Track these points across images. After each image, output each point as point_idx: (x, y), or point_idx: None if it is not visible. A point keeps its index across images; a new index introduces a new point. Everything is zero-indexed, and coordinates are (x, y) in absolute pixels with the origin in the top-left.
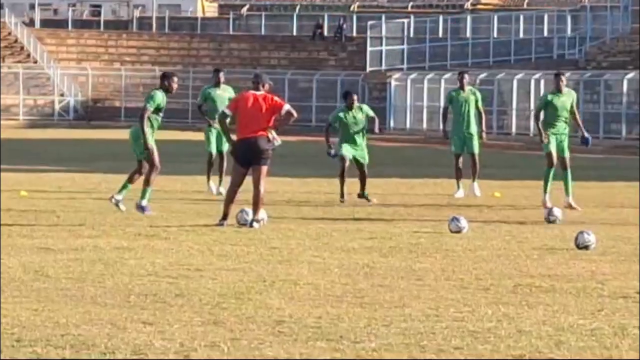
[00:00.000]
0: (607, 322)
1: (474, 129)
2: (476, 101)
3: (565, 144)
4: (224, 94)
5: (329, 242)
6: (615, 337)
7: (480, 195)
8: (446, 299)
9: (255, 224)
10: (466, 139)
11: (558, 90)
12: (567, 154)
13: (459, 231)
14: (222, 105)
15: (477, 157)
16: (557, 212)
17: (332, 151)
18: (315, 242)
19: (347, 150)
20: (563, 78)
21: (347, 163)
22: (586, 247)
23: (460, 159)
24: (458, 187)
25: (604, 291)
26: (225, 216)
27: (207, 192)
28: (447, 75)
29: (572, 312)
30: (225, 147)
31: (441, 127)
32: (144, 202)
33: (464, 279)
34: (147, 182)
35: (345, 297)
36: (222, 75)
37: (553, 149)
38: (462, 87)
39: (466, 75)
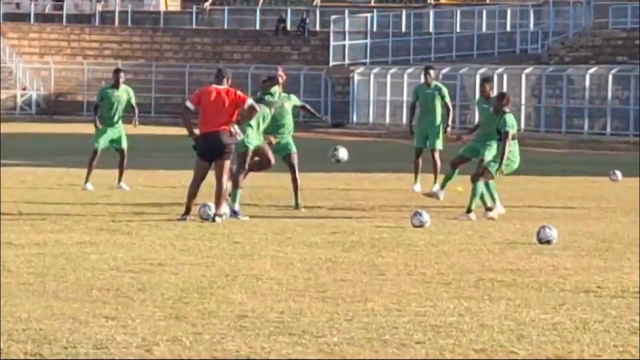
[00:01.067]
0: (569, 316)
1: (437, 125)
2: (442, 97)
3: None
4: (122, 96)
5: (291, 236)
6: (576, 332)
7: (443, 198)
8: (408, 293)
9: (217, 219)
10: (429, 135)
11: (427, 85)
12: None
13: (421, 225)
14: (120, 107)
15: (437, 154)
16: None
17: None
18: (277, 237)
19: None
20: (432, 72)
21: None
22: (548, 242)
23: (421, 155)
24: (416, 180)
25: (566, 286)
26: (187, 211)
27: (125, 189)
28: (410, 70)
29: (533, 306)
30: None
31: (405, 122)
32: (237, 206)
33: (426, 274)
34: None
35: (307, 292)
36: (122, 76)
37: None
38: (427, 83)
39: (431, 71)
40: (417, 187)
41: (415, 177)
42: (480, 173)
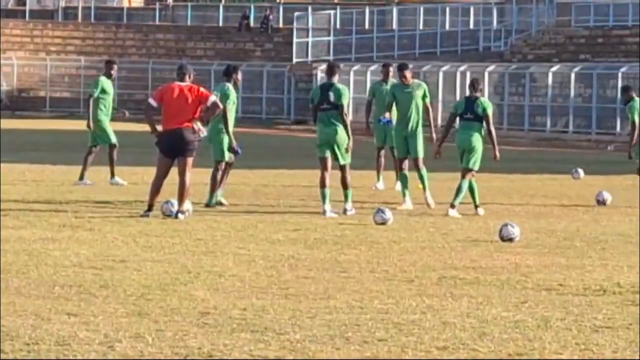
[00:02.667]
0: (530, 314)
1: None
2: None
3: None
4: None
5: (254, 233)
6: (538, 329)
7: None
8: (371, 290)
9: (180, 215)
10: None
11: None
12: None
13: (383, 223)
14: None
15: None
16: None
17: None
18: (240, 234)
19: None
20: (390, 69)
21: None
22: (510, 240)
23: (383, 152)
24: (378, 178)
25: (528, 283)
26: (150, 207)
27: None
28: (373, 67)
29: (495, 304)
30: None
31: (365, 118)
32: (349, 206)
33: (388, 271)
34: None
35: (270, 289)
36: (114, 68)
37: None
38: (385, 80)
39: (391, 68)
40: (381, 185)
41: (378, 175)
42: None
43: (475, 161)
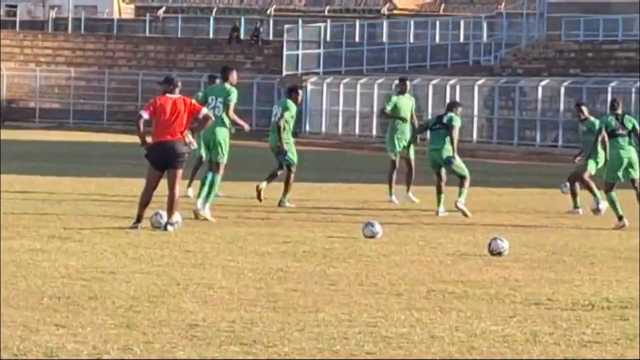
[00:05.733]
0: (519, 328)
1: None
2: (412, 107)
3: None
4: None
5: (243, 246)
6: (527, 344)
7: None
8: (359, 304)
9: (169, 227)
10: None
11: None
12: None
13: (372, 236)
14: None
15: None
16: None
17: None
18: (229, 246)
19: None
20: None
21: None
22: (499, 254)
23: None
24: (391, 193)
25: (517, 297)
26: (139, 219)
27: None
28: (363, 80)
29: (484, 318)
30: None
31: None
32: None
33: (377, 284)
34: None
35: (258, 302)
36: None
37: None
38: (402, 92)
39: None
40: (395, 199)
41: (390, 190)
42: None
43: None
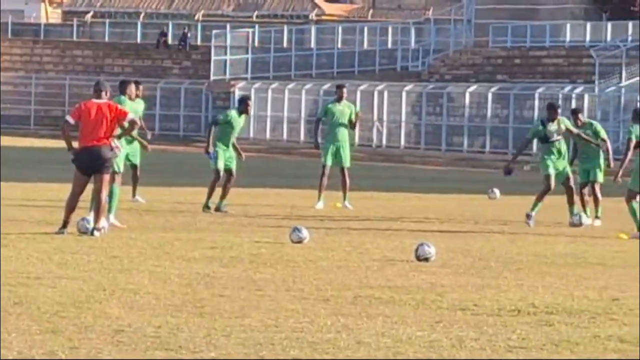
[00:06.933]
0: (445, 334)
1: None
2: (350, 114)
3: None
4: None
5: (170, 251)
6: (452, 349)
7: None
8: (286, 309)
9: (96, 233)
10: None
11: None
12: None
13: (300, 241)
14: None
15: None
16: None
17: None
18: (156, 251)
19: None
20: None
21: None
22: (426, 259)
23: (327, 171)
24: (319, 197)
25: (443, 303)
26: (65, 224)
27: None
28: (291, 85)
29: (410, 323)
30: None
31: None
32: None
33: (304, 290)
34: None
35: (185, 307)
36: (140, 89)
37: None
38: (339, 100)
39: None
40: (320, 205)
41: (319, 195)
42: None
43: None
